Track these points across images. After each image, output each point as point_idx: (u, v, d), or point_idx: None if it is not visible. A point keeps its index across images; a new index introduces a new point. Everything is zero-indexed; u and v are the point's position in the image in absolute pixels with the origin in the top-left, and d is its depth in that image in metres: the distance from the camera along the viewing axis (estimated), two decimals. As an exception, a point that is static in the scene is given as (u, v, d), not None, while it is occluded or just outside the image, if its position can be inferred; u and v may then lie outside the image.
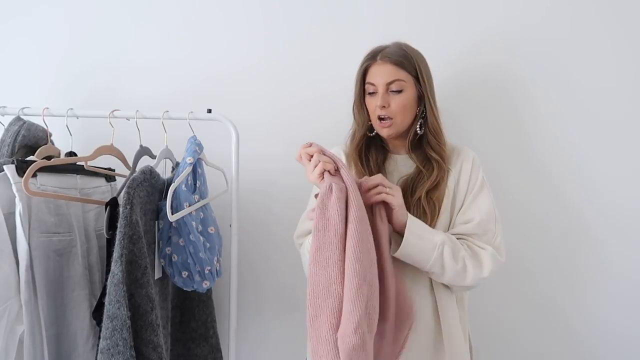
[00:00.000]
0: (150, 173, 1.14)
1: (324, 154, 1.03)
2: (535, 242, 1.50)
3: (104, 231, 1.09)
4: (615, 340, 1.50)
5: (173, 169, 1.29)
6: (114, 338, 0.96)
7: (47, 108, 1.23)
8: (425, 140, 1.20)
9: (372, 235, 1.00)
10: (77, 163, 1.23)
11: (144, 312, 1.02)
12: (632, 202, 1.47)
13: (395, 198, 1.06)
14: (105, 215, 1.09)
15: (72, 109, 1.24)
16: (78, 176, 1.24)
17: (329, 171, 1.01)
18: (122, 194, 1.05)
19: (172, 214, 1.10)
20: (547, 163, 1.50)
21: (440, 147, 1.18)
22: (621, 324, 1.49)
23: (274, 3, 1.56)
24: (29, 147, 1.23)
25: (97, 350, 0.98)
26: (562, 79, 1.48)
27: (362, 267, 0.92)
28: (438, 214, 1.14)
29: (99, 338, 0.99)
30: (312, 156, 1.02)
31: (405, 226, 1.07)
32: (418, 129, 1.19)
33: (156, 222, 1.17)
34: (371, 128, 1.23)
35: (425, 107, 1.19)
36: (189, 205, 1.16)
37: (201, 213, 1.23)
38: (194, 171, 1.23)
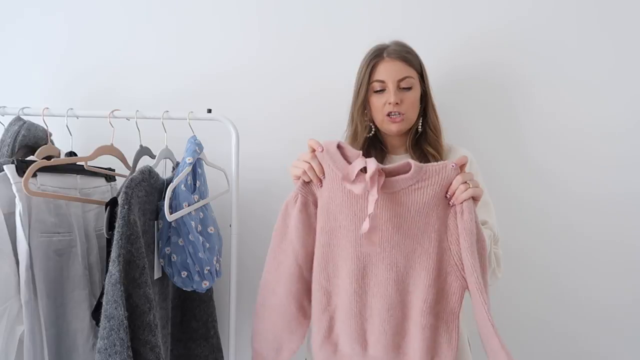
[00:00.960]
0: (149, 173, 1.14)
1: (317, 161, 1.00)
2: (533, 241, 1.49)
3: (104, 231, 1.09)
4: (615, 340, 1.49)
5: (173, 169, 1.29)
6: (111, 338, 0.96)
7: (47, 108, 1.23)
8: (424, 138, 1.20)
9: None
10: (77, 163, 1.24)
11: (141, 312, 1.02)
12: (632, 202, 1.46)
13: (479, 189, 0.95)
14: (105, 215, 1.09)
15: (72, 109, 1.24)
16: (78, 176, 1.24)
17: (304, 179, 1.01)
18: (120, 193, 1.05)
19: (171, 214, 1.10)
20: (545, 161, 1.49)
21: (439, 144, 1.20)
22: (620, 324, 1.48)
23: (274, 2, 1.55)
24: (29, 147, 1.23)
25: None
26: (560, 77, 1.47)
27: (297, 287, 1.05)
28: None
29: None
30: (313, 150, 1.01)
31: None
32: (419, 126, 1.21)
33: (156, 222, 1.17)
34: (370, 128, 1.23)
35: (426, 104, 1.21)
36: (189, 205, 1.15)
37: (201, 213, 1.23)
38: (194, 171, 1.22)
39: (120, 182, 1.38)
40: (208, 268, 1.18)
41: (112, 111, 1.23)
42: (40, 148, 1.21)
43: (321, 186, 1.01)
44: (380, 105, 1.17)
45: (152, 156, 1.28)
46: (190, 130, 1.25)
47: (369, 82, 1.19)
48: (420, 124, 1.21)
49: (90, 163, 1.25)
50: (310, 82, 1.54)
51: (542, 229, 1.49)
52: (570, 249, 1.49)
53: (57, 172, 1.17)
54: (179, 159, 1.25)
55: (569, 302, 1.50)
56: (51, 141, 1.29)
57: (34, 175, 1.08)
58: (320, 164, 1.00)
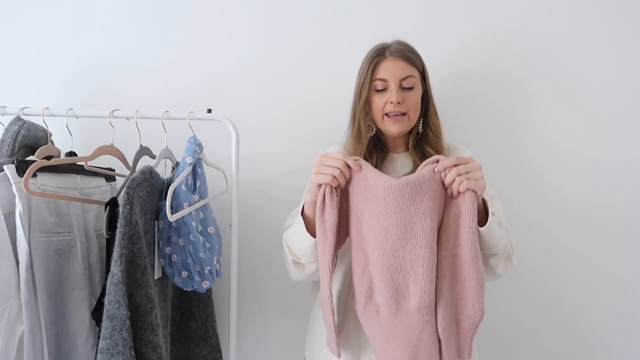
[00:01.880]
0: (150, 173, 1.14)
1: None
2: (532, 242, 1.50)
3: (104, 231, 1.09)
4: (616, 340, 1.50)
5: (173, 169, 1.30)
6: (114, 338, 0.96)
7: (47, 108, 1.23)
8: (424, 138, 1.20)
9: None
10: (77, 163, 1.23)
11: (143, 312, 1.02)
12: (631, 202, 1.47)
13: (480, 182, 0.94)
14: (105, 215, 1.09)
15: (72, 109, 1.23)
16: (78, 176, 1.24)
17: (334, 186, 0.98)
18: (121, 193, 1.05)
19: (172, 214, 1.10)
20: (546, 162, 1.50)
21: (439, 144, 1.20)
22: (619, 322, 1.49)
23: (276, 3, 1.56)
24: (29, 147, 1.23)
25: (97, 350, 0.98)
26: (561, 79, 1.48)
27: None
28: None
29: (99, 338, 0.99)
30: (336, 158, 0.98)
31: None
32: (420, 126, 1.20)
33: (156, 222, 1.17)
34: (373, 128, 1.23)
35: (427, 104, 1.20)
36: (189, 205, 1.16)
37: (201, 213, 1.23)
38: (194, 171, 1.23)
39: (120, 182, 1.38)
40: (208, 268, 1.18)
41: (112, 111, 1.23)
42: (40, 148, 1.21)
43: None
44: (381, 104, 1.17)
45: (152, 156, 1.28)
46: (190, 130, 1.25)
47: (371, 81, 1.17)
48: (421, 124, 1.21)
49: (90, 163, 1.24)
50: (312, 85, 1.54)
51: (540, 229, 1.50)
52: (567, 248, 1.50)
53: (57, 172, 1.17)
54: (179, 159, 1.25)
55: (568, 302, 1.51)
56: (51, 141, 1.28)
57: (34, 175, 1.08)
58: (346, 163, 0.97)
